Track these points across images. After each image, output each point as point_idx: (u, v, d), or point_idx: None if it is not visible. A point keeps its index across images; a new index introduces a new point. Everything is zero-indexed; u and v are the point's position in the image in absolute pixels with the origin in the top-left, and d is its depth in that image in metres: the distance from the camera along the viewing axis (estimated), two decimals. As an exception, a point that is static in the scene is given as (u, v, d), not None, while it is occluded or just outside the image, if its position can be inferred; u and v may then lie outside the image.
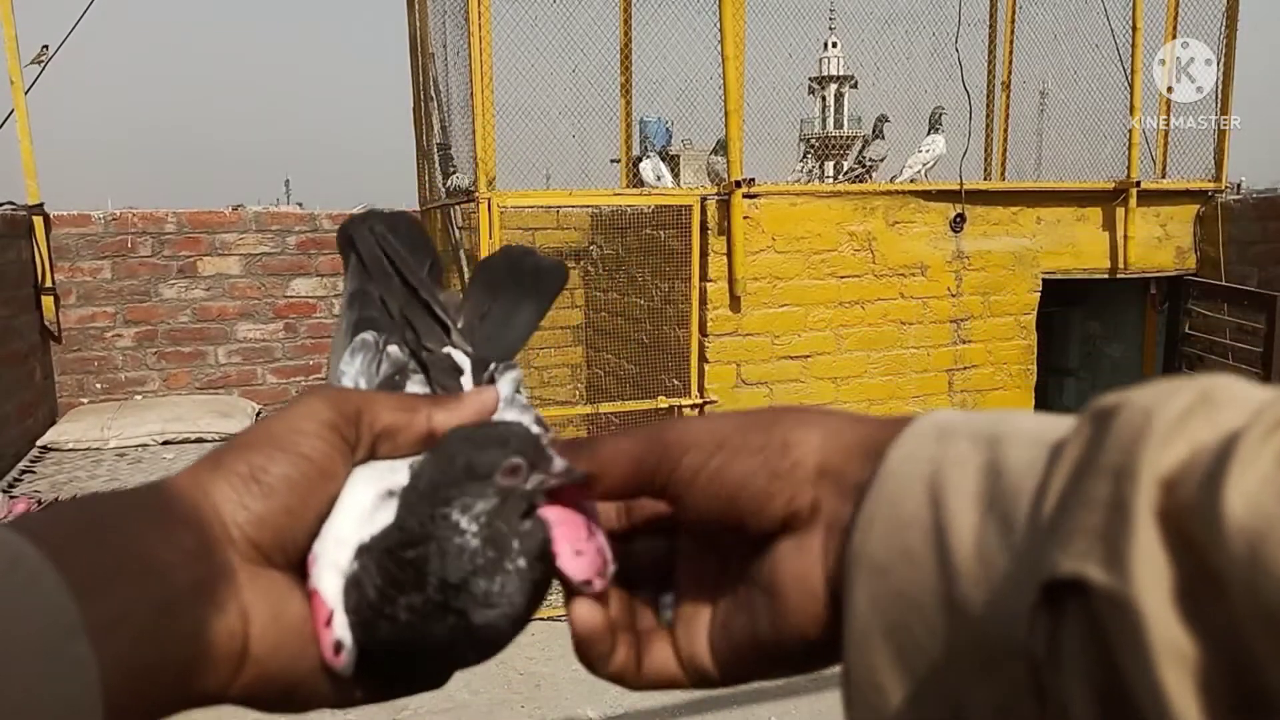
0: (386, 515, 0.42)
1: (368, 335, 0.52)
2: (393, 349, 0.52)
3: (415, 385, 0.52)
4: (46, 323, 4.77)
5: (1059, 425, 0.33)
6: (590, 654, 0.44)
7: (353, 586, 0.41)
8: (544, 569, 0.42)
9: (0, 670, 0.29)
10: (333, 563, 0.41)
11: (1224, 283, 4.48)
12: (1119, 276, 4.60)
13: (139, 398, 5.05)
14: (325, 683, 0.42)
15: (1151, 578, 0.26)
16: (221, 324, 5.20)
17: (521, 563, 0.41)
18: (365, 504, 0.43)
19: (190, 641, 0.36)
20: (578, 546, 0.43)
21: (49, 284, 4.73)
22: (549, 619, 3.78)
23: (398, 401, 0.46)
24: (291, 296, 5.29)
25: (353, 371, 0.51)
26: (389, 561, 0.41)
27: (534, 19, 4.36)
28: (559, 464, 0.42)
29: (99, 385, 5.03)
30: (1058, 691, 0.29)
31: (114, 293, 5.02)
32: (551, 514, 0.43)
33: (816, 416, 0.41)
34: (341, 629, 0.41)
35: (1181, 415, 0.28)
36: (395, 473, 0.44)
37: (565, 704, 3.10)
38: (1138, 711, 0.26)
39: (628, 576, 0.46)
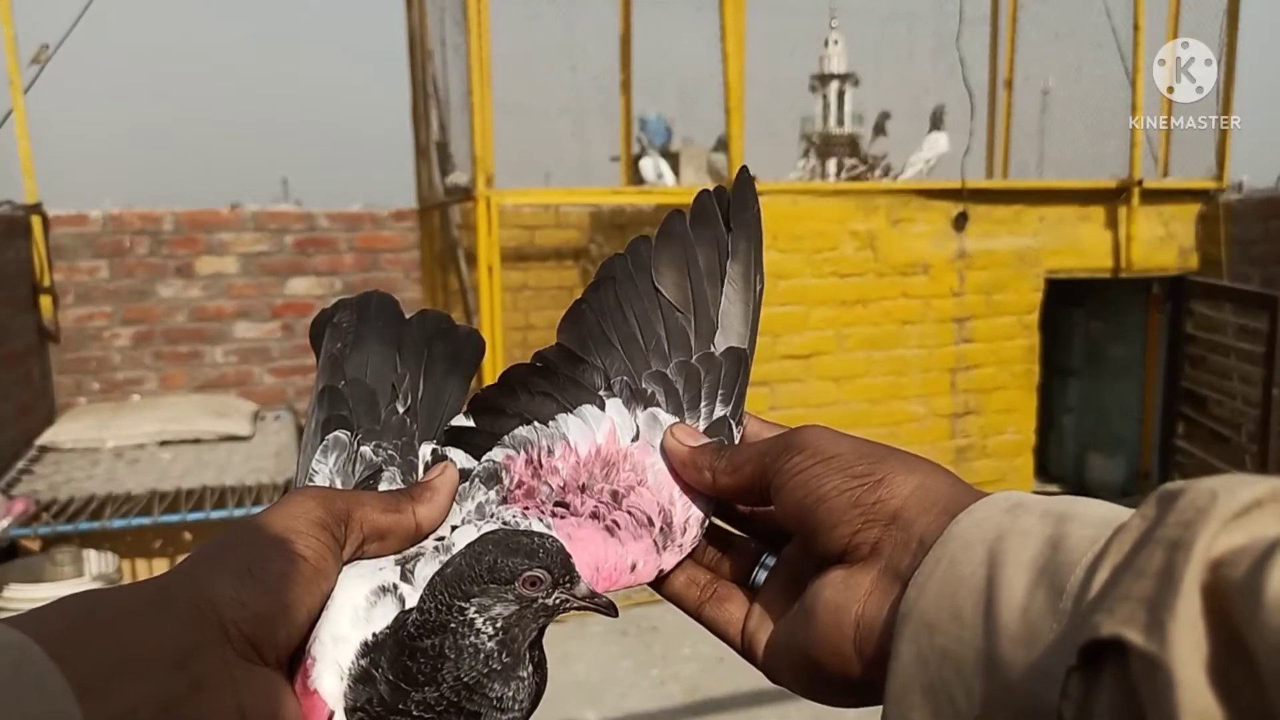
0: (385, 612, 0.44)
1: (340, 434, 0.54)
2: (365, 450, 0.54)
3: (386, 483, 0.53)
4: (44, 323, 4.75)
5: (1129, 512, 0.34)
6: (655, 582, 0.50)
7: (361, 682, 0.42)
8: (540, 686, 0.44)
9: None
10: (332, 662, 0.42)
11: (1226, 282, 4.46)
12: (1121, 276, 4.58)
13: (136, 397, 5.03)
14: None
15: (1189, 646, 0.26)
16: (219, 324, 5.18)
17: (529, 673, 0.43)
18: (359, 602, 0.44)
19: None
20: (630, 562, 0.48)
21: (47, 284, 4.71)
22: (548, 620, 3.76)
23: (384, 503, 0.48)
24: (289, 296, 5.27)
25: (326, 470, 0.52)
26: (404, 653, 0.41)
27: (533, 15, 4.34)
28: (584, 589, 0.44)
29: (96, 385, 5.01)
30: None
31: (111, 292, 5.00)
32: (583, 555, 0.46)
33: (923, 466, 0.43)
34: None
35: (1247, 506, 0.28)
36: (383, 570, 0.46)
37: (565, 707, 3.08)
38: None
39: (739, 528, 0.52)
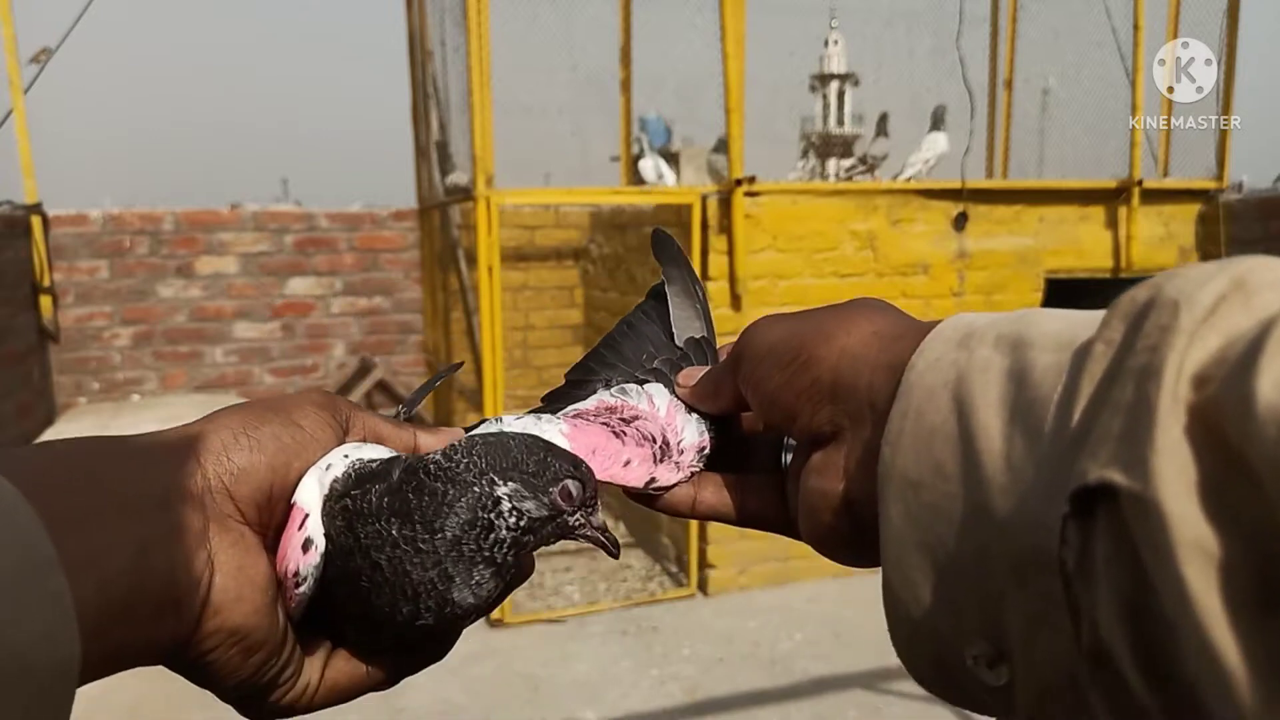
0: (378, 451, 0.44)
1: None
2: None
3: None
4: (44, 323, 4.74)
5: (1086, 325, 0.32)
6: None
7: (356, 484, 0.41)
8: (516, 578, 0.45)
9: None
10: (315, 475, 0.42)
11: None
12: (1122, 276, 4.58)
13: (136, 397, 5.03)
14: (283, 649, 0.41)
15: (1174, 476, 0.25)
16: (219, 324, 5.18)
17: (514, 573, 0.43)
18: (349, 444, 0.44)
19: (165, 582, 0.36)
20: (625, 458, 0.50)
21: (47, 283, 4.70)
22: (549, 621, 3.76)
23: (387, 419, 0.48)
24: (289, 296, 5.27)
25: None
26: (409, 484, 0.41)
27: (533, 15, 4.34)
28: (599, 519, 0.45)
29: (96, 385, 5.01)
30: (1088, 600, 0.28)
31: (111, 292, 5.00)
32: (585, 440, 0.49)
33: (842, 326, 0.42)
34: (315, 529, 0.41)
35: (1213, 305, 0.27)
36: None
37: (564, 707, 3.08)
38: (1163, 618, 0.25)
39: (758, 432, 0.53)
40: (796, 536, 0.48)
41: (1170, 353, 0.26)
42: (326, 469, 0.42)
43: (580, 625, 3.67)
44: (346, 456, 0.43)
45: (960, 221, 4.29)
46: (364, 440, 0.45)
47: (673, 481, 0.51)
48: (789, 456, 0.50)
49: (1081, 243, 4.52)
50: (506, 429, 0.49)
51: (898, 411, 0.36)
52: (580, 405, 0.56)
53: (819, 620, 3.68)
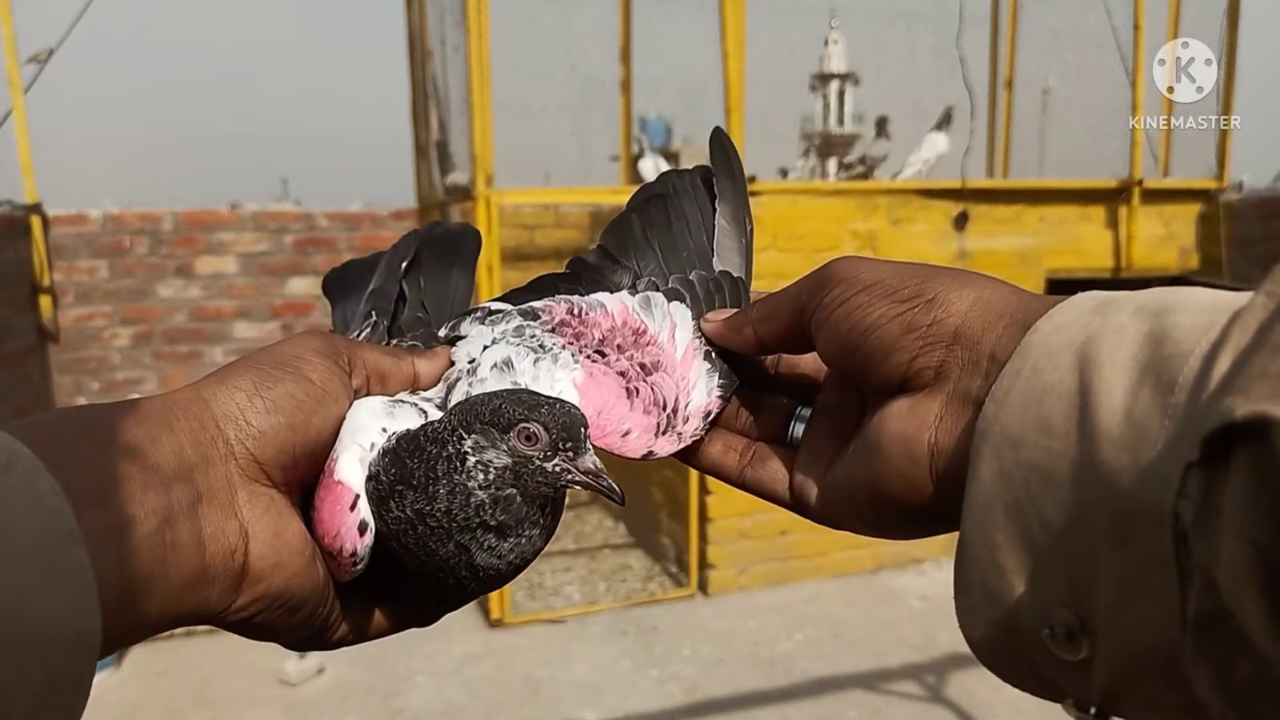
0: (407, 414, 0.44)
1: (371, 321, 0.55)
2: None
3: None
4: (44, 323, 4.74)
5: (1240, 297, 0.30)
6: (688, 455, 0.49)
7: (385, 455, 0.42)
8: (548, 534, 0.44)
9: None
10: (354, 447, 0.42)
11: (1227, 282, 4.45)
12: (1122, 276, 4.58)
13: (136, 397, 5.03)
14: (326, 602, 0.42)
15: None
16: (218, 323, 5.18)
17: (534, 533, 0.43)
18: (376, 405, 0.44)
19: (191, 554, 0.35)
20: (626, 427, 0.48)
21: (46, 283, 4.70)
22: (549, 622, 3.75)
23: (383, 349, 0.48)
24: (288, 296, 5.27)
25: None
26: (410, 448, 0.42)
27: (533, 15, 4.33)
28: (589, 463, 0.43)
29: (96, 385, 5.00)
30: (1206, 556, 0.26)
31: (111, 292, 4.99)
32: (595, 396, 0.48)
33: (976, 280, 0.40)
34: (366, 511, 0.41)
35: None
36: (397, 397, 0.46)
37: (564, 707, 3.07)
38: None
39: (768, 391, 0.50)
40: (797, 510, 0.47)
41: None
42: (370, 448, 0.42)
43: (580, 625, 3.66)
44: (385, 431, 0.43)
45: (961, 221, 4.29)
46: (366, 378, 0.45)
47: (670, 453, 0.49)
48: (799, 427, 0.48)
49: (1082, 242, 4.51)
50: (513, 355, 0.49)
51: (1011, 369, 0.34)
52: (603, 304, 0.54)
53: (819, 620, 3.67)
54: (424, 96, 4.95)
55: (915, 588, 3.92)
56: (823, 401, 0.48)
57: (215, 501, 0.37)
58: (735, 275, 0.57)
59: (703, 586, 3.98)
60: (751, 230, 0.59)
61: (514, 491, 0.41)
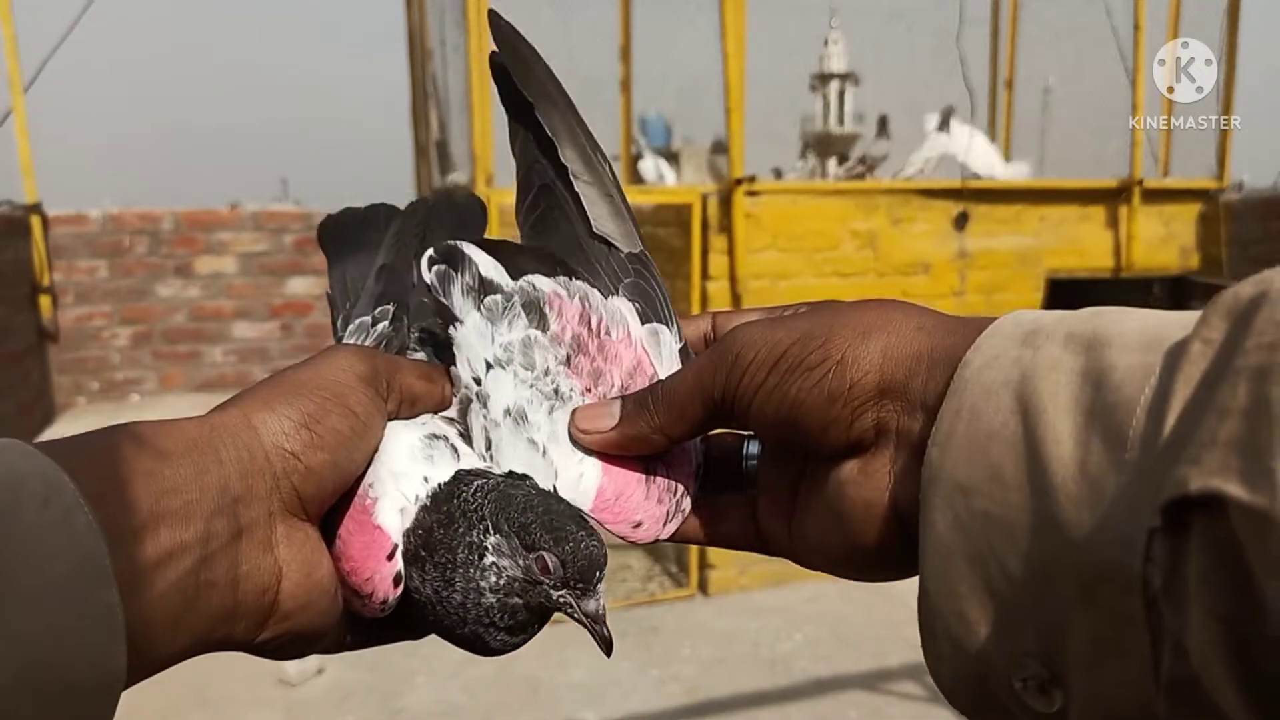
0: (443, 457, 0.44)
1: (389, 307, 0.52)
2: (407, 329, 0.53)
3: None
4: (43, 322, 4.74)
5: (1173, 324, 0.29)
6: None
7: (411, 530, 0.42)
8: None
9: (26, 609, 0.28)
10: (395, 495, 0.42)
11: (1227, 282, 4.45)
12: (1123, 276, 4.58)
13: (135, 397, 5.02)
14: (342, 630, 0.42)
15: None
16: (218, 323, 5.17)
17: (533, 629, 0.45)
18: (414, 443, 0.44)
19: (223, 593, 0.35)
20: (637, 519, 0.46)
21: (46, 283, 4.70)
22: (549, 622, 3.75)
23: (419, 369, 0.46)
24: (288, 296, 5.27)
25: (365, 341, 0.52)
26: (437, 524, 0.42)
27: (533, 14, 4.33)
28: (593, 607, 0.45)
29: (96, 385, 5.00)
30: (1176, 624, 0.26)
31: (110, 292, 4.99)
32: (615, 483, 0.45)
33: (878, 322, 0.38)
34: (401, 563, 0.41)
35: None
36: (426, 423, 0.45)
37: (564, 708, 3.07)
38: (1276, 643, 0.23)
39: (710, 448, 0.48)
40: (770, 553, 0.46)
41: None
42: (414, 500, 0.42)
43: (580, 626, 3.66)
44: (426, 480, 0.43)
45: (961, 221, 4.29)
46: (400, 402, 0.44)
47: (667, 536, 0.47)
48: (752, 464, 0.47)
49: (1082, 242, 4.51)
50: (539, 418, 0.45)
51: (949, 409, 0.33)
52: (626, 323, 0.47)
53: (819, 620, 3.67)
54: (424, 96, 4.95)
55: (915, 587, 3.91)
56: (765, 463, 0.46)
57: (254, 537, 0.36)
58: (636, 252, 0.50)
59: (703, 586, 3.98)
60: (612, 170, 0.50)
61: (519, 602, 0.43)
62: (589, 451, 0.45)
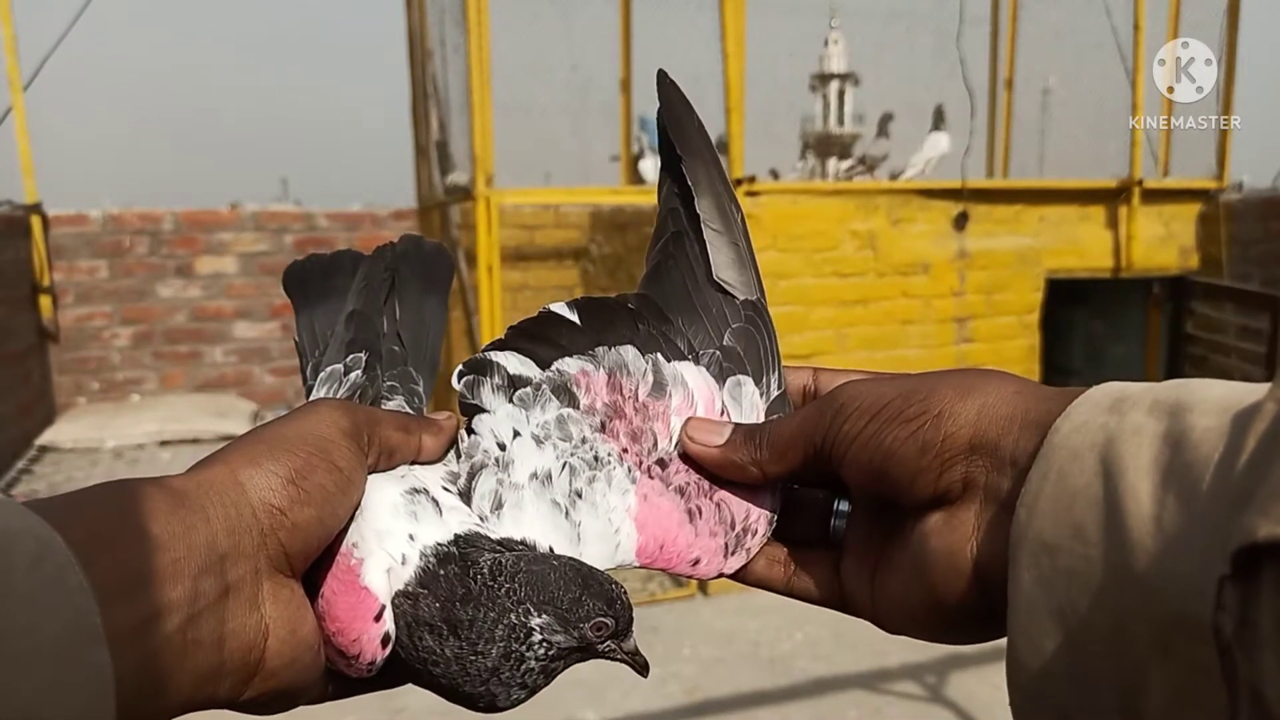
0: (427, 513, 0.44)
1: (360, 355, 0.52)
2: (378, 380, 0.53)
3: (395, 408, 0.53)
4: (44, 322, 4.74)
5: (1252, 391, 0.31)
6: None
7: (421, 584, 0.42)
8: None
9: (19, 669, 0.28)
10: (381, 555, 0.42)
11: (1227, 282, 4.45)
12: (1122, 276, 4.58)
13: (136, 397, 5.03)
14: (322, 684, 0.42)
15: None
16: (218, 323, 5.18)
17: (554, 676, 0.45)
18: (395, 499, 0.44)
19: (209, 652, 0.35)
20: (694, 556, 0.46)
21: (46, 283, 4.70)
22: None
23: (396, 421, 0.47)
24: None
25: (337, 391, 0.51)
26: (456, 602, 0.42)
27: (533, 15, 4.34)
28: (632, 645, 0.45)
29: (96, 385, 5.01)
30: (1250, 671, 0.26)
31: (111, 292, 5.00)
32: (655, 529, 0.46)
33: (978, 385, 0.40)
34: (390, 624, 0.41)
35: None
36: (405, 476, 0.46)
37: (564, 707, 3.07)
38: None
39: (801, 492, 0.49)
40: (852, 613, 0.46)
41: None
42: (402, 562, 0.42)
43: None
44: (412, 538, 0.43)
45: (961, 221, 4.29)
46: (379, 455, 0.45)
47: (735, 570, 0.48)
48: (840, 523, 0.47)
49: (1082, 242, 4.51)
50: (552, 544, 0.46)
51: (1037, 473, 0.35)
52: (686, 383, 0.48)
53: (819, 620, 3.67)
54: (424, 96, 4.95)
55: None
56: (859, 495, 0.47)
57: (241, 595, 0.37)
58: (752, 299, 0.51)
59: (703, 586, 3.98)
60: (743, 220, 0.52)
61: (561, 665, 0.44)
62: (622, 516, 0.47)
